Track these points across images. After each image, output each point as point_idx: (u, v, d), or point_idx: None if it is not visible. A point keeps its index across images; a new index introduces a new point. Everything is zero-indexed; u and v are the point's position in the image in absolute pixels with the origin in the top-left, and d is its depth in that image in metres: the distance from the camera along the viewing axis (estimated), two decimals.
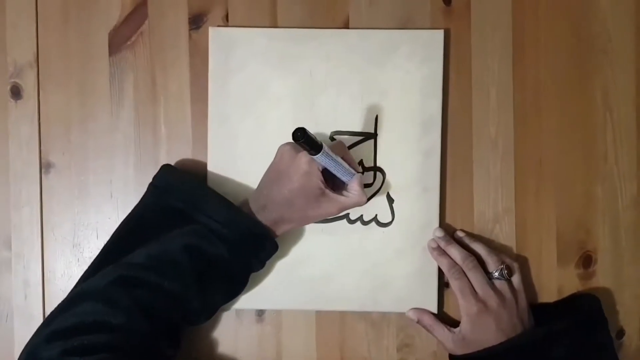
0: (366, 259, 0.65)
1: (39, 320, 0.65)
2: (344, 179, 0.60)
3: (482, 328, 0.61)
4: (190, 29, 0.67)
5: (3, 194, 0.66)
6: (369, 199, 0.65)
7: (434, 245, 0.64)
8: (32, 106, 0.66)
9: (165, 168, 0.63)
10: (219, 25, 0.66)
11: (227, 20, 0.67)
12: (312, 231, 0.65)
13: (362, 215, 0.65)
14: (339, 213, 0.60)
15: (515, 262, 0.64)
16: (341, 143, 0.62)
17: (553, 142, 0.67)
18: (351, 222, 0.65)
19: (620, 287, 0.67)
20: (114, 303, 0.54)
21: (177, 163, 0.66)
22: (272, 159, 0.64)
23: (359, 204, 0.60)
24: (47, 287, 0.66)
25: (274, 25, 0.66)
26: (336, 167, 0.58)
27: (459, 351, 0.62)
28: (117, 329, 0.53)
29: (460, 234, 0.65)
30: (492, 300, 0.61)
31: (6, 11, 0.66)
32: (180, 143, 0.66)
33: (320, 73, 0.65)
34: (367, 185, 0.65)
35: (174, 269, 0.56)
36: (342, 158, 0.59)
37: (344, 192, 0.60)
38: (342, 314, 0.66)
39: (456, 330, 0.62)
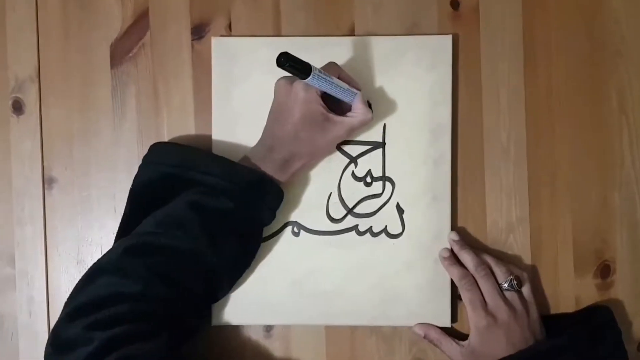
0: (376, 271, 0.64)
1: (44, 338, 0.65)
2: (345, 99, 0.58)
3: (492, 342, 0.59)
4: (192, 40, 0.65)
5: (6, 211, 0.65)
6: (378, 210, 0.63)
7: (446, 254, 0.63)
8: (34, 121, 0.66)
9: (153, 146, 0.61)
10: (221, 35, 0.65)
11: (230, 29, 0.65)
12: (321, 244, 0.63)
13: (371, 227, 0.64)
14: (348, 136, 0.59)
15: (525, 272, 0.62)
16: (333, 63, 0.59)
17: (567, 148, 0.65)
18: (360, 233, 0.64)
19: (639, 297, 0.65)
20: (128, 273, 0.53)
21: None
22: None
23: (366, 122, 0.58)
24: (51, 304, 0.65)
25: (278, 34, 0.65)
26: (334, 88, 0.56)
27: None
28: (134, 298, 0.52)
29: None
30: (503, 313, 0.59)
31: (6, 25, 0.65)
32: None
33: None
34: (376, 196, 0.64)
35: (183, 228, 0.55)
36: (339, 78, 0.57)
37: (348, 113, 0.58)
38: (353, 329, 0.65)
39: (465, 343, 0.61)
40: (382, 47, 0.64)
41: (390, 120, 0.64)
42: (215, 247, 0.56)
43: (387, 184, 0.64)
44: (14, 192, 0.65)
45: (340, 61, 0.63)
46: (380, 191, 0.64)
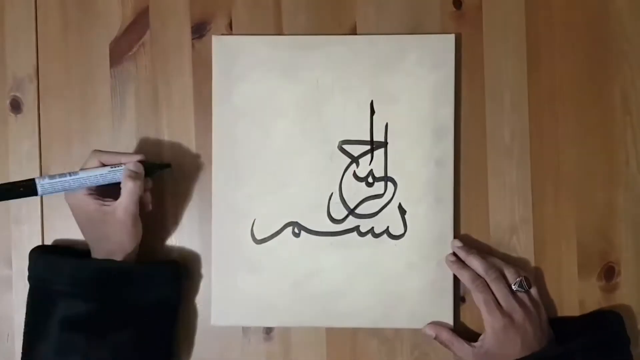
0: (378, 273, 0.63)
1: None
2: (116, 180, 0.57)
3: (508, 343, 0.58)
4: (193, 38, 0.65)
5: (3, 211, 0.65)
6: (379, 211, 0.62)
7: (452, 259, 0.62)
8: (32, 120, 0.65)
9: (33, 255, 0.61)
10: (222, 34, 0.65)
11: (231, 28, 0.65)
12: (321, 245, 0.63)
13: (373, 228, 0.63)
14: (132, 218, 0.57)
15: (532, 273, 0.62)
16: (92, 152, 0.59)
17: (571, 148, 0.64)
18: (362, 234, 0.63)
19: None
20: None
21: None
22: (278, 171, 0.63)
23: (132, 194, 0.56)
24: None
25: (279, 33, 0.65)
26: (91, 177, 0.57)
27: None
28: None
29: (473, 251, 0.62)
30: (518, 314, 0.58)
31: (5, 23, 0.65)
32: (183, 155, 0.64)
33: (327, 81, 0.63)
34: (378, 196, 0.63)
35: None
36: (103, 164, 0.57)
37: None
38: (354, 331, 0.64)
39: (477, 344, 0.60)
40: (384, 47, 0.63)
41: (392, 120, 0.63)
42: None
43: (389, 184, 0.63)
44: None
45: (341, 60, 0.63)
46: (382, 191, 0.63)
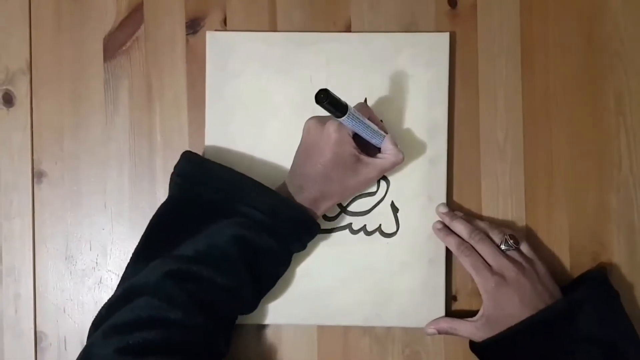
0: (370, 271, 0.63)
1: (29, 335, 0.63)
2: (374, 141, 0.58)
3: (505, 302, 0.57)
4: (187, 34, 0.65)
5: None
6: (372, 209, 0.62)
7: (439, 226, 0.62)
8: (24, 114, 0.64)
9: (187, 155, 0.59)
10: (216, 30, 0.64)
11: (225, 24, 0.65)
12: (313, 242, 0.62)
13: (365, 225, 0.63)
14: (379, 176, 0.59)
15: (521, 232, 0.62)
16: (364, 104, 0.59)
17: (564, 150, 0.64)
18: (354, 232, 0.63)
19: (636, 300, 0.64)
20: (170, 298, 0.51)
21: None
22: (271, 167, 0.63)
23: (397, 163, 0.58)
24: (38, 300, 0.64)
25: (274, 30, 0.65)
26: (365, 129, 0.56)
27: (486, 336, 0.58)
28: (173, 324, 0.51)
29: (459, 213, 0.62)
30: (510, 270, 0.57)
31: None
32: (176, 152, 0.63)
33: (321, 78, 0.63)
34: (370, 194, 0.63)
35: (226, 263, 0.54)
36: (369, 119, 0.56)
37: (379, 155, 0.58)
38: (345, 329, 0.64)
39: (477, 316, 0.59)
40: (378, 44, 0.63)
41: (385, 119, 0.63)
42: (255, 282, 0.56)
43: (382, 182, 0.63)
44: (2, 186, 0.64)
45: (335, 58, 0.63)
46: (374, 189, 0.63)
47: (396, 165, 0.58)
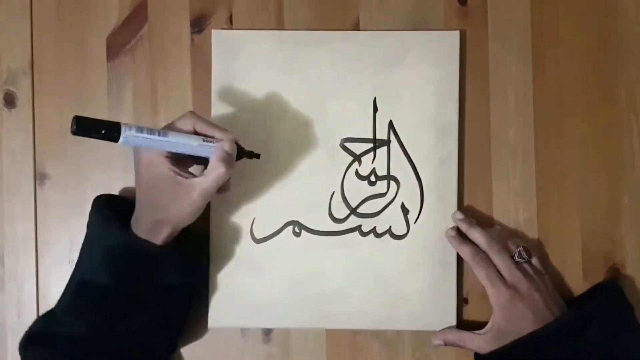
0: (379, 273, 0.62)
1: None
2: (203, 155, 0.52)
3: (517, 316, 0.56)
4: (192, 32, 0.64)
5: None
6: (382, 210, 0.61)
7: (453, 233, 0.61)
8: (26, 115, 0.63)
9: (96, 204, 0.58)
10: (222, 28, 0.63)
11: (231, 22, 0.64)
12: (322, 244, 0.62)
13: (375, 227, 0.62)
14: (206, 199, 0.52)
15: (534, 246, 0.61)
16: (189, 114, 0.53)
17: (576, 148, 0.63)
18: (364, 234, 0.62)
19: None
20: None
21: None
22: (278, 168, 0.62)
23: (219, 179, 0.51)
24: (41, 305, 0.63)
25: (281, 28, 0.63)
26: (177, 145, 0.50)
27: (494, 348, 0.57)
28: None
29: (474, 221, 0.61)
30: (523, 284, 0.57)
31: None
32: None
33: (330, 77, 0.62)
34: (380, 195, 0.62)
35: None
36: (196, 131, 0.52)
37: (203, 173, 0.52)
38: (354, 333, 0.63)
39: (486, 329, 0.58)
40: (387, 43, 0.62)
41: (395, 118, 0.62)
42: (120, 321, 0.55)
43: (392, 183, 0.62)
44: (4, 188, 0.63)
45: (344, 57, 0.62)
46: (384, 190, 0.62)
47: (221, 182, 0.51)
